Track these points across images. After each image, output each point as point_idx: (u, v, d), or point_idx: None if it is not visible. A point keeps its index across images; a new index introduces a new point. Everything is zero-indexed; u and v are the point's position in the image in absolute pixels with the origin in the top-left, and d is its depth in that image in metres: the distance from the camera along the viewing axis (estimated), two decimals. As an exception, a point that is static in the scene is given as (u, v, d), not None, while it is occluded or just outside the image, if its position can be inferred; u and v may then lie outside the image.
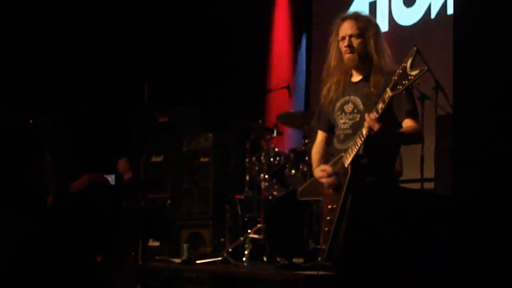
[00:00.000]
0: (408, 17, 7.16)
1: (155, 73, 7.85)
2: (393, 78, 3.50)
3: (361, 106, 3.81)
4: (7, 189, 2.21)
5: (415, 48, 3.48)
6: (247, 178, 5.99)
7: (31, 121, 2.36)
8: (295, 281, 4.33)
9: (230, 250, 5.59)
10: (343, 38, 3.85)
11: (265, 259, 5.31)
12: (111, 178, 2.44)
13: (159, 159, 6.97)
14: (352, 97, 3.88)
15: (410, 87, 3.51)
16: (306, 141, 5.67)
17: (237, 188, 6.09)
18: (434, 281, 2.63)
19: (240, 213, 5.85)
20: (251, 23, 8.49)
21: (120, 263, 2.28)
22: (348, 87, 3.91)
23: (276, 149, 5.83)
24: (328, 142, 4.07)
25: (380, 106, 3.55)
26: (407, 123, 3.74)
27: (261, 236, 5.48)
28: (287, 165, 5.66)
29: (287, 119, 5.93)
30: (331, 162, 3.90)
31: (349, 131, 3.84)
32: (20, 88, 7.59)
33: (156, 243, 6.58)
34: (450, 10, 6.60)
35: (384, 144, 3.74)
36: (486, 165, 2.79)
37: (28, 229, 2.18)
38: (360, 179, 3.71)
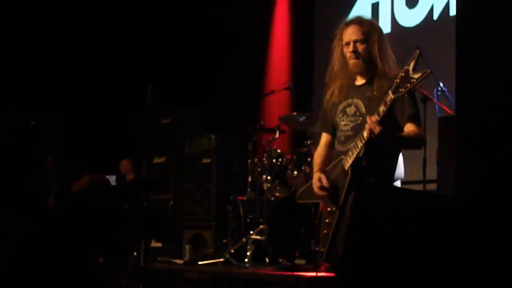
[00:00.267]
0: (410, 18, 7.15)
1: (157, 74, 7.86)
2: (395, 80, 3.49)
3: (363, 109, 3.81)
4: (7, 189, 2.22)
5: (417, 51, 3.48)
6: (250, 179, 5.99)
7: (32, 122, 2.36)
8: (297, 283, 4.33)
9: (232, 251, 5.60)
10: (348, 43, 3.85)
11: (267, 260, 5.31)
12: (112, 179, 2.43)
13: (161, 160, 6.97)
14: (355, 100, 3.88)
15: (412, 90, 3.51)
16: (309, 142, 5.67)
17: (239, 189, 6.09)
18: (435, 282, 2.63)
19: (242, 214, 5.85)
20: (253, 24, 8.48)
21: (121, 264, 2.28)
22: (351, 90, 3.91)
23: (279, 150, 5.83)
24: (331, 145, 4.07)
25: (382, 108, 3.55)
26: (409, 128, 3.74)
27: (263, 237, 5.48)
28: (290, 166, 5.66)
29: (289, 120, 5.92)
30: (331, 165, 3.90)
31: (350, 133, 3.84)
32: (23, 88, 7.60)
33: (158, 244, 6.59)
34: (452, 12, 6.59)
35: (384, 147, 3.74)
36: (489, 166, 2.79)
37: (28, 229, 2.18)
38: (360, 181, 3.70)
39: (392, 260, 2.63)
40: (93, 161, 7.36)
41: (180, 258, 6.16)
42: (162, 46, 8.42)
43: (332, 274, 3.86)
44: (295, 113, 5.78)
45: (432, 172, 5.03)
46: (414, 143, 3.82)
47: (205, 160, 6.57)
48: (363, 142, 3.63)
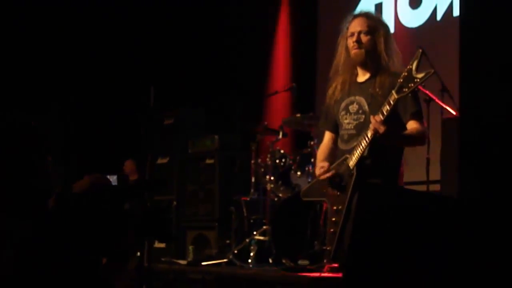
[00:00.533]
0: (414, 19, 7.15)
1: (160, 75, 7.87)
2: (399, 80, 3.49)
3: (366, 107, 3.81)
4: (7, 190, 2.21)
5: (420, 50, 3.48)
6: (253, 179, 5.99)
7: (31, 122, 2.36)
8: (300, 283, 4.33)
9: (235, 251, 5.60)
10: (352, 34, 3.85)
11: (270, 260, 5.32)
12: (113, 179, 2.44)
13: (164, 160, 6.98)
14: (357, 97, 3.87)
15: (415, 89, 3.51)
16: (312, 142, 5.67)
17: (242, 189, 6.09)
18: (439, 283, 2.63)
19: (245, 214, 5.86)
20: (256, 25, 8.48)
21: (123, 265, 2.28)
22: (354, 87, 3.90)
23: (282, 151, 5.83)
24: (334, 143, 4.07)
25: (386, 108, 3.55)
26: (412, 125, 3.74)
27: (266, 238, 5.48)
28: (293, 167, 5.66)
29: (293, 121, 5.92)
30: (336, 164, 3.90)
31: (353, 132, 3.84)
32: (26, 88, 7.61)
33: (162, 245, 6.59)
34: (456, 12, 6.59)
35: (388, 146, 3.74)
36: (493, 167, 2.79)
37: (28, 230, 2.18)
38: (366, 180, 3.71)
39: (395, 261, 2.62)
40: (95, 161, 7.38)
41: (184, 258, 6.16)
42: (164, 47, 8.42)
43: (337, 274, 3.85)
44: (298, 115, 5.77)
45: (435, 173, 5.03)
46: (418, 140, 3.82)
47: (208, 161, 6.58)
48: (368, 141, 3.63)
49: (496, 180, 2.79)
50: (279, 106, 7.66)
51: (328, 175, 3.81)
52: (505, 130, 2.79)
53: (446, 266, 2.60)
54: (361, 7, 7.53)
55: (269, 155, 5.80)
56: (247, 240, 5.60)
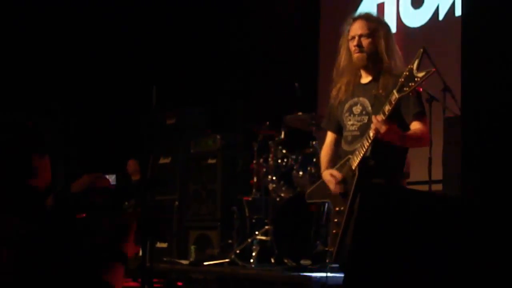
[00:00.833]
0: (416, 18, 7.14)
1: (162, 75, 7.87)
2: (400, 79, 3.49)
3: (370, 108, 3.80)
4: (6, 189, 2.21)
5: (421, 50, 3.47)
6: (255, 179, 5.99)
7: (30, 122, 2.36)
8: (302, 283, 4.33)
9: (237, 251, 5.60)
10: (353, 37, 3.85)
11: (272, 260, 5.32)
12: (112, 178, 2.43)
13: (167, 160, 6.98)
14: (360, 99, 3.87)
15: (417, 89, 3.50)
16: (314, 142, 5.67)
17: (244, 189, 6.09)
18: (440, 283, 2.62)
19: (247, 214, 5.85)
20: (257, 23, 8.48)
21: (122, 264, 2.28)
22: (357, 89, 3.90)
23: (284, 151, 5.82)
24: (337, 144, 4.07)
25: (387, 108, 3.55)
26: (415, 126, 3.73)
27: (268, 238, 5.48)
28: (295, 167, 5.66)
29: (295, 121, 5.92)
30: (339, 165, 3.89)
31: (357, 133, 3.83)
32: (27, 89, 7.61)
33: (164, 245, 6.60)
34: (458, 12, 6.58)
35: (391, 146, 3.73)
36: (495, 166, 2.79)
37: (27, 229, 2.18)
38: (368, 181, 3.70)
39: (396, 261, 2.62)
40: (95, 161, 7.38)
41: (186, 258, 6.16)
42: (166, 47, 8.42)
43: (338, 275, 3.85)
44: (300, 114, 5.77)
45: (437, 173, 5.02)
46: (420, 141, 3.81)
47: (210, 161, 6.58)
48: (370, 141, 3.63)
49: (499, 179, 2.78)
50: (281, 106, 7.66)
51: (336, 188, 3.81)
52: (507, 129, 2.78)
53: (448, 266, 2.60)
54: (363, 6, 7.53)
55: (271, 155, 5.79)
56: (249, 240, 5.60)
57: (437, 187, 5.15)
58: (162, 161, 6.98)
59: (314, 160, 5.49)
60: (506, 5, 2.94)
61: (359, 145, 3.73)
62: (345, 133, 3.93)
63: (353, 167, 3.74)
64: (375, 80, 3.84)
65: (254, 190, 5.99)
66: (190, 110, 7.18)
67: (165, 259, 6.05)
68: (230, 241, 5.99)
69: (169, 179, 6.80)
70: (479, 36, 3.05)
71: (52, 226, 2.23)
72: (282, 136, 5.88)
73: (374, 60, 3.83)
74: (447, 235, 2.66)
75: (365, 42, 3.82)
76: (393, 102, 3.52)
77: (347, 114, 3.91)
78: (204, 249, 6.29)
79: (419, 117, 3.74)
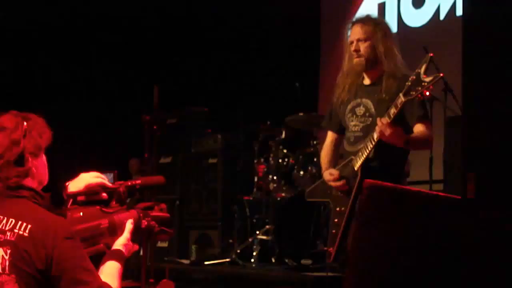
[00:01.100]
0: (417, 18, 7.15)
1: (164, 75, 7.87)
2: (407, 83, 3.49)
3: (373, 110, 3.81)
4: (6, 190, 2.21)
5: (429, 55, 3.48)
6: (256, 179, 5.99)
7: (30, 122, 2.36)
8: (303, 283, 4.33)
9: (238, 251, 5.60)
10: (352, 42, 3.87)
11: (273, 260, 5.32)
12: (110, 177, 2.44)
13: (167, 160, 6.98)
14: (364, 100, 3.87)
15: (423, 94, 3.50)
16: (315, 142, 5.67)
17: (245, 189, 6.09)
18: (441, 283, 2.63)
19: (248, 214, 5.85)
20: (258, 23, 8.48)
21: (122, 264, 2.28)
22: (360, 90, 3.91)
23: (285, 150, 5.82)
24: (337, 144, 4.08)
25: (393, 111, 3.55)
26: (418, 128, 3.73)
27: (269, 238, 5.48)
28: (296, 167, 5.66)
29: (296, 120, 5.92)
30: (341, 165, 3.90)
31: (360, 134, 3.83)
32: (27, 88, 7.62)
33: (165, 244, 6.59)
34: (459, 12, 6.59)
35: (394, 148, 3.73)
36: (496, 166, 2.78)
37: (27, 230, 2.18)
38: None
39: (398, 261, 2.62)
40: (95, 161, 7.38)
41: (186, 258, 6.16)
42: (168, 47, 8.43)
43: (339, 274, 3.86)
44: (301, 114, 5.77)
45: (438, 172, 5.03)
46: (424, 144, 3.81)
47: (211, 160, 6.58)
48: (373, 143, 3.64)
49: (500, 179, 2.78)
50: (282, 106, 7.66)
51: (338, 184, 3.82)
52: (508, 129, 2.78)
53: (448, 266, 2.60)
54: (364, 6, 7.54)
55: (272, 155, 5.79)
56: (250, 240, 5.60)
57: (438, 187, 5.15)
58: (163, 160, 6.97)
59: (315, 159, 5.49)
60: (507, 5, 2.93)
61: (362, 146, 3.73)
62: (347, 134, 3.93)
63: (356, 168, 3.74)
64: (377, 82, 3.85)
65: (255, 190, 5.99)
66: (191, 109, 7.18)
67: (166, 258, 6.06)
68: (230, 240, 5.99)
69: (169, 179, 6.79)
70: (481, 35, 3.04)
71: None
72: (283, 135, 5.88)
73: (373, 63, 3.84)
74: (448, 235, 2.66)
75: (362, 46, 3.84)
76: (399, 106, 3.52)
77: (349, 115, 3.91)
78: (205, 248, 6.29)
79: (423, 120, 3.74)
